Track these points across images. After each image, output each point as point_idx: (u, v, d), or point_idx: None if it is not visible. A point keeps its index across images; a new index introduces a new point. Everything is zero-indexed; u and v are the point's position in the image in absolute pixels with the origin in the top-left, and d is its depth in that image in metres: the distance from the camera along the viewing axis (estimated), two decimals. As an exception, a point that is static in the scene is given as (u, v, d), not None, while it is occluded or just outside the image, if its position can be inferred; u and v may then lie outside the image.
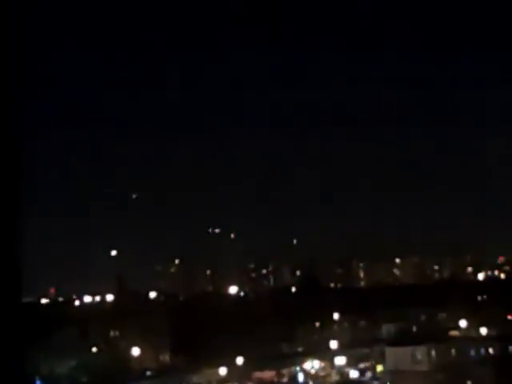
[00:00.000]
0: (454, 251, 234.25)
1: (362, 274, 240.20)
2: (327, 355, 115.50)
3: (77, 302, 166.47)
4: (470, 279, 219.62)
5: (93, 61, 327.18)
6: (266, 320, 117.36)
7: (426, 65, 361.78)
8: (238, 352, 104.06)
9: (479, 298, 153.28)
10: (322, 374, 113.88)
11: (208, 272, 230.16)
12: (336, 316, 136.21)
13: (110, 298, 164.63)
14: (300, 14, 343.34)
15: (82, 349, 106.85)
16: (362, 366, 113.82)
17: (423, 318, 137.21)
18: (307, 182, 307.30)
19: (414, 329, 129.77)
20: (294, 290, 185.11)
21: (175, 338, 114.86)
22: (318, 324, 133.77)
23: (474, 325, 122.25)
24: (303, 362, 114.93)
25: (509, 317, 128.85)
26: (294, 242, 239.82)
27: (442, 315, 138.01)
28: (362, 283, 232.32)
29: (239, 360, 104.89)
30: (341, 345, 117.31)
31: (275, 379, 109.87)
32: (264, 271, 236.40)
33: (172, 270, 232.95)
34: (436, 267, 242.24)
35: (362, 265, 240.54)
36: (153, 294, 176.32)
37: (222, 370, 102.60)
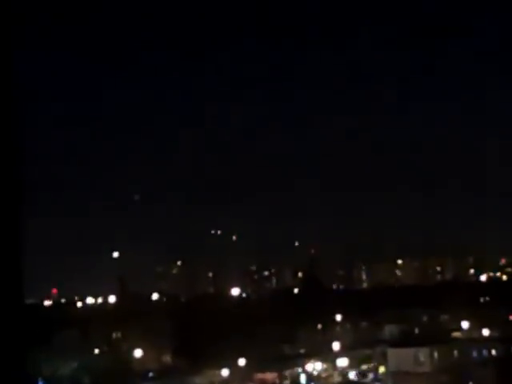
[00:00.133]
0: (456, 253, 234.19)
1: (363, 276, 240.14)
2: (329, 357, 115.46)
3: (79, 304, 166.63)
4: (472, 281, 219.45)
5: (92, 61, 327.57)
6: (267, 321, 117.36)
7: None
8: (239, 353, 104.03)
9: (481, 299, 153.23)
10: (324, 375, 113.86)
11: (210, 274, 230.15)
12: (338, 317, 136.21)
13: (112, 299, 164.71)
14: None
15: (84, 350, 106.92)
16: (364, 367, 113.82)
17: (425, 319, 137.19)
18: (308, 183, 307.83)
19: (417, 330, 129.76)
20: (296, 291, 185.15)
21: (177, 340, 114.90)
22: (320, 325, 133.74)
23: (476, 326, 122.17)
24: (305, 363, 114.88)
25: (511, 318, 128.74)
26: (296, 243, 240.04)
27: (444, 317, 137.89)
28: (364, 285, 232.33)
29: (241, 361, 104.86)
30: (343, 346, 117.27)
31: (277, 381, 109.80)
32: (266, 273, 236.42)
33: (174, 271, 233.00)
34: (438, 269, 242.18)
35: (363, 266, 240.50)
36: (155, 296, 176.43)
37: (224, 372, 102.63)
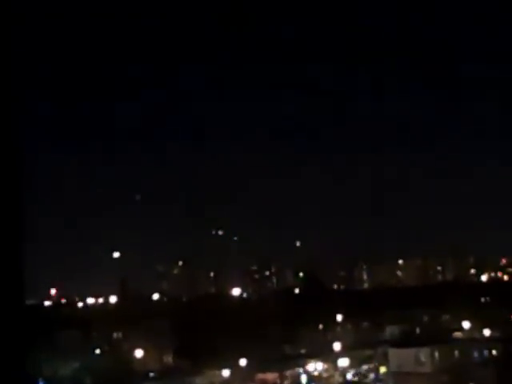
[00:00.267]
0: (457, 253, 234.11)
1: (364, 276, 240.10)
2: (330, 357, 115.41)
3: (80, 304, 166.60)
4: (473, 281, 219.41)
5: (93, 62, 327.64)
6: (268, 322, 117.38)
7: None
8: (240, 354, 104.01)
9: (482, 299, 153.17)
10: (325, 375, 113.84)
11: (211, 274, 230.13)
12: (339, 318, 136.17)
13: (112, 299, 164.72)
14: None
15: (85, 350, 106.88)
16: (365, 367, 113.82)
17: (426, 319, 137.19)
18: (310, 183, 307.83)
19: (418, 330, 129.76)
20: (296, 291, 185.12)
21: (178, 340, 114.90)
22: (321, 326, 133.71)
23: (477, 326, 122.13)
24: (306, 363, 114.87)
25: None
26: (297, 243, 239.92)
27: (445, 317, 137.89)
28: (365, 285, 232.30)
29: (242, 362, 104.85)
30: (344, 346, 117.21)
31: (278, 381, 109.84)
32: (267, 273, 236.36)
33: (175, 271, 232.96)
34: (439, 269, 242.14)
35: (364, 266, 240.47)
36: (156, 296, 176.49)
37: (225, 372, 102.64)
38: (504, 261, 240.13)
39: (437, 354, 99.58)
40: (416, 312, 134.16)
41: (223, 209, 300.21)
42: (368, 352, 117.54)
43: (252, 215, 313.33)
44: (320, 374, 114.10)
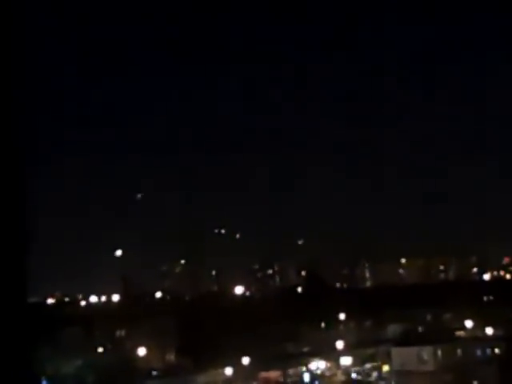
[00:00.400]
0: (459, 251, 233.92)
1: (367, 274, 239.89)
2: (333, 355, 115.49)
3: (82, 303, 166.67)
4: (475, 279, 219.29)
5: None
6: (271, 320, 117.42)
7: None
8: (243, 352, 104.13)
9: (485, 298, 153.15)
10: (327, 374, 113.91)
11: (213, 272, 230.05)
12: (342, 316, 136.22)
13: (115, 298, 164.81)
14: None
15: (87, 349, 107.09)
16: (368, 366, 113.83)
17: (429, 318, 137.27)
18: (312, 181, 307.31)
19: (420, 329, 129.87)
20: (299, 290, 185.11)
21: (181, 338, 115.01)
22: (323, 324, 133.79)
23: (479, 325, 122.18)
24: (309, 362, 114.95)
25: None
26: (300, 242, 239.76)
27: (448, 315, 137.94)
28: (368, 283, 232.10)
29: (245, 360, 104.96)
30: (347, 345, 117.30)
31: (281, 379, 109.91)
32: (269, 271, 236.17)
33: (177, 269, 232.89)
34: (441, 267, 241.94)
35: (367, 265, 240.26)
36: (158, 294, 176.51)
37: (228, 370, 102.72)
38: (507, 259, 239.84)
39: (439, 353, 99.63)
40: (418, 311, 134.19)
41: (225, 207, 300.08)
42: (370, 351, 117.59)
43: (254, 213, 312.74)
44: (323, 372, 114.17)
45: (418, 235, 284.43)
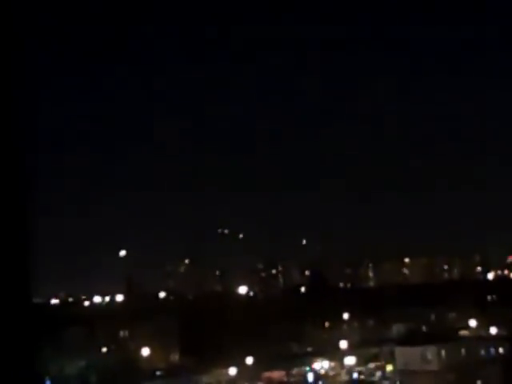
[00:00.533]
0: (463, 251, 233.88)
1: (371, 274, 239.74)
2: (337, 355, 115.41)
3: (86, 303, 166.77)
4: (479, 279, 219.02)
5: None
6: (275, 320, 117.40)
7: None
8: (247, 352, 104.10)
9: (488, 297, 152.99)
10: (331, 373, 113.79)
11: (217, 272, 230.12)
12: (345, 316, 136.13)
13: (119, 298, 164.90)
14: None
15: (91, 349, 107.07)
16: (371, 365, 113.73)
17: (433, 317, 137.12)
18: (315, 182, 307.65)
19: (424, 328, 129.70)
20: (303, 289, 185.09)
21: (185, 338, 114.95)
22: (327, 324, 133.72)
23: (483, 324, 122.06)
24: (313, 361, 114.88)
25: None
26: (303, 242, 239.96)
27: (452, 315, 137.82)
28: (371, 283, 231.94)
29: (249, 360, 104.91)
30: (350, 345, 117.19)
31: (285, 379, 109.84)
32: (273, 271, 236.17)
33: (181, 270, 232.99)
34: (445, 267, 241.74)
35: (371, 264, 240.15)
36: (162, 294, 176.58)
37: (232, 370, 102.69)
38: (510, 258, 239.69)
39: (443, 352, 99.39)
40: (422, 310, 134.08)
41: (229, 207, 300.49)
42: (374, 350, 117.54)
43: (258, 213, 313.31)
44: (326, 372, 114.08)
45: (422, 235, 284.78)
